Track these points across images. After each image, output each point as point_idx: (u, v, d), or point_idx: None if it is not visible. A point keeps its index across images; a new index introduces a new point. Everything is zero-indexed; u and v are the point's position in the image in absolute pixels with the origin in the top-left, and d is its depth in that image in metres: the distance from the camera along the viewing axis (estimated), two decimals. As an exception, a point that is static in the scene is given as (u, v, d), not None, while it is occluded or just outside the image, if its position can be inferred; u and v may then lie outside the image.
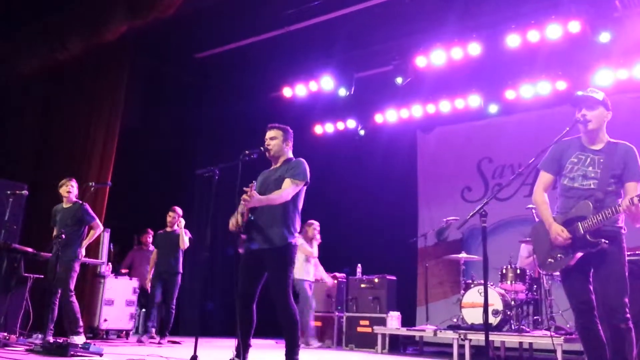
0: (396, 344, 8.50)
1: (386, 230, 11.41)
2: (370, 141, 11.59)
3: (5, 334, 6.35)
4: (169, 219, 8.61)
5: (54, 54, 8.61)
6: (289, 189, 4.56)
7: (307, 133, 11.67)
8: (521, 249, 8.42)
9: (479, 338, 7.10)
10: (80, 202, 7.07)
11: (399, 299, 9.16)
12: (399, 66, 9.58)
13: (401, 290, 9.41)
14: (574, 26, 8.13)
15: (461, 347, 7.23)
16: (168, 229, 8.62)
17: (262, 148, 4.77)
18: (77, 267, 6.88)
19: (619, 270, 3.65)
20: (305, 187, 4.74)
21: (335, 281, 9.28)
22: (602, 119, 3.86)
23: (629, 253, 3.96)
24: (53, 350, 5.41)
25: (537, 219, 4.42)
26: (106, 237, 8.85)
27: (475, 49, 8.89)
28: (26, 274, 7.18)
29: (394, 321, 8.37)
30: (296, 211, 4.69)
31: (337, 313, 9.14)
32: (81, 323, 6.79)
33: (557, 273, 3.99)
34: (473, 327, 7.40)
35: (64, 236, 6.52)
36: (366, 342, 8.55)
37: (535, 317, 7.69)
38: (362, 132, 11.54)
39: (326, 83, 10.30)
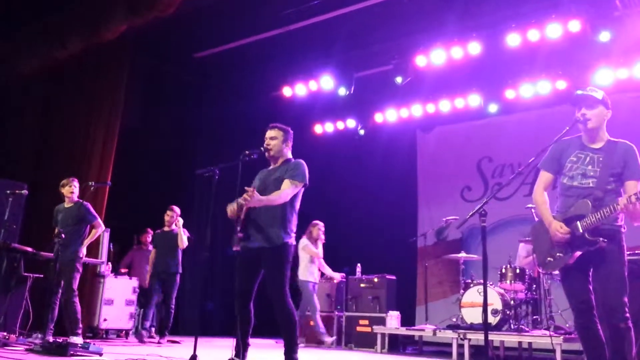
0: (395, 343, 8.51)
1: (386, 230, 11.42)
2: (370, 141, 11.59)
3: (5, 333, 6.34)
4: (167, 218, 8.57)
5: (54, 54, 8.62)
6: (287, 190, 4.58)
7: (306, 132, 11.68)
8: (519, 249, 8.42)
9: (478, 337, 7.11)
10: (82, 201, 7.08)
11: (398, 298, 9.16)
12: (398, 65, 9.57)
13: (401, 289, 9.41)
14: (574, 25, 8.12)
15: (460, 346, 7.24)
16: (166, 229, 8.59)
17: (262, 148, 4.78)
18: (79, 267, 6.89)
19: (619, 269, 3.65)
20: (303, 188, 4.76)
21: (336, 281, 9.28)
22: (601, 118, 3.86)
23: (629, 252, 3.95)
24: (53, 350, 5.41)
25: (536, 219, 4.41)
26: (106, 236, 8.84)
27: (475, 48, 8.89)
28: (26, 274, 7.17)
29: (393, 321, 8.38)
30: (293, 211, 4.71)
31: (336, 312, 9.15)
32: (81, 325, 6.79)
33: (557, 272, 3.99)
34: (472, 327, 7.40)
35: (63, 235, 6.52)
36: (366, 342, 8.55)
37: (534, 317, 7.70)
38: (361, 132, 11.54)
39: (326, 82, 10.30)
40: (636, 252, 5.65)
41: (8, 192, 6.97)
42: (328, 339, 8.61)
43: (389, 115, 11.13)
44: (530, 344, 7.80)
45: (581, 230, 3.67)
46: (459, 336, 7.26)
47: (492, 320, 7.32)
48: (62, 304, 6.89)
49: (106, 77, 9.50)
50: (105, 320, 8.48)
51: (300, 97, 10.80)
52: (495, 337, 7.34)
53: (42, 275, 7.32)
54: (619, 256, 3.68)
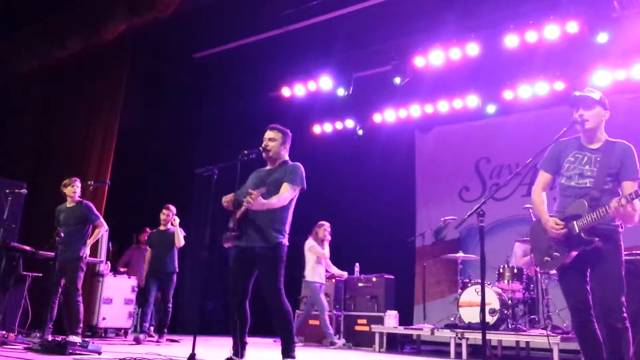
0: (394, 342, 8.54)
1: (384, 230, 11.43)
2: (368, 141, 11.61)
3: (4, 332, 6.36)
4: (162, 217, 8.45)
5: (54, 54, 8.63)
6: (286, 194, 4.65)
7: (305, 133, 11.70)
8: (515, 247, 8.42)
9: (476, 337, 7.13)
10: (84, 201, 7.10)
11: (396, 298, 9.19)
12: (397, 66, 9.60)
13: (399, 289, 9.44)
14: (572, 27, 8.15)
15: (458, 345, 7.27)
16: (162, 228, 8.50)
17: (260, 148, 4.81)
18: (84, 266, 6.90)
19: (616, 269, 3.65)
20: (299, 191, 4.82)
21: (343, 278, 9.26)
22: (599, 118, 3.87)
23: (626, 253, 3.96)
24: (51, 349, 5.42)
25: (534, 219, 4.44)
26: (105, 236, 8.84)
27: (473, 49, 8.91)
28: (25, 273, 7.19)
29: (391, 320, 8.41)
30: (289, 213, 4.78)
31: (335, 312, 9.16)
32: (81, 325, 6.80)
33: (554, 272, 4.01)
34: (470, 326, 7.43)
35: (62, 235, 6.53)
36: (364, 341, 8.58)
37: (532, 316, 7.72)
38: (360, 132, 11.56)
39: (325, 83, 10.32)
40: (633, 252, 5.68)
41: (7, 191, 6.98)
42: (338, 341, 8.52)
43: (387, 116, 11.15)
44: (527, 343, 7.83)
45: (577, 230, 3.69)
46: (456, 335, 7.28)
47: (490, 319, 7.34)
48: (61, 302, 6.91)
49: (106, 77, 9.52)
50: (104, 319, 8.48)
51: (299, 97, 10.82)
52: (492, 337, 7.37)
53: (41, 274, 7.33)
54: (616, 256, 3.68)
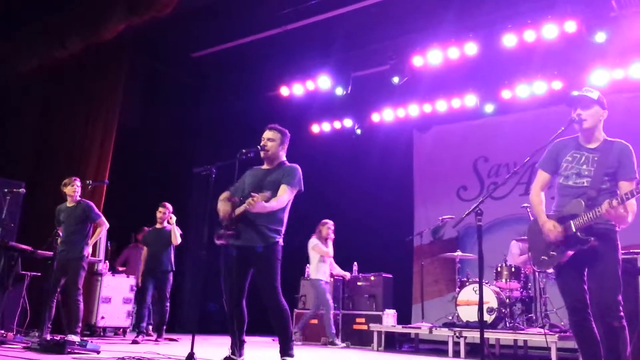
0: (392, 341, 8.55)
1: (382, 229, 11.45)
2: (367, 140, 11.62)
3: (3, 331, 6.36)
4: (159, 215, 8.38)
5: (54, 54, 8.63)
6: (284, 196, 4.68)
7: (304, 132, 11.71)
8: (512, 246, 8.45)
9: (474, 335, 7.16)
10: (85, 200, 7.10)
11: (394, 296, 9.20)
12: (395, 65, 9.60)
13: (397, 288, 9.45)
14: (570, 26, 8.15)
15: (456, 344, 7.29)
16: (158, 226, 8.44)
17: (258, 147, 4.82)
18: (85, 266, 6.91)
19: (613, 268, 3.65)
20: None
21: (347, 278, 9.26)
22: (597, 118, 3.87)
23: (623, 251, 3.97)
24: (50, 348, 5.42)
25: (532, 218, 4.45)
26: (104, 235, 8.84)
27: (471, 48, 8.92)
28: (23, 272, 7.19)
29: (389, 319, 8.42)
30: (284, 213, 4.80)
31: (333, 311, 9.15)
32: (80, 324, 6.80)
33: (551, 271, 4.02)
34: (468, 325, 7.45)
35: (61, 234, 6.54)
36: (362, 340, 8.59)
37: (529, 315, 7.74)
38: (358, 131, 11.57)
39: (323, 82, 10.32)
40: (631, 250, 5.70)
41: (5, 190, 6.99)
42: (339, 343, 8.51)
43: (385, 115, 11.16)
44: (525, 341, 7.85)
45: (574, 230, 3.70)
46: (454, 334, 7.30)
47: (488, 318, 7.36)
48: (59, 302, 6.93)
49: (105, 77, 9.53)
50: (102, 318, 8.48)
51: (298, 96, 10.82)
52: (490, 335, 7.39)
53: (39, 274, 7.33)
54: (613, 255, 3.68)
